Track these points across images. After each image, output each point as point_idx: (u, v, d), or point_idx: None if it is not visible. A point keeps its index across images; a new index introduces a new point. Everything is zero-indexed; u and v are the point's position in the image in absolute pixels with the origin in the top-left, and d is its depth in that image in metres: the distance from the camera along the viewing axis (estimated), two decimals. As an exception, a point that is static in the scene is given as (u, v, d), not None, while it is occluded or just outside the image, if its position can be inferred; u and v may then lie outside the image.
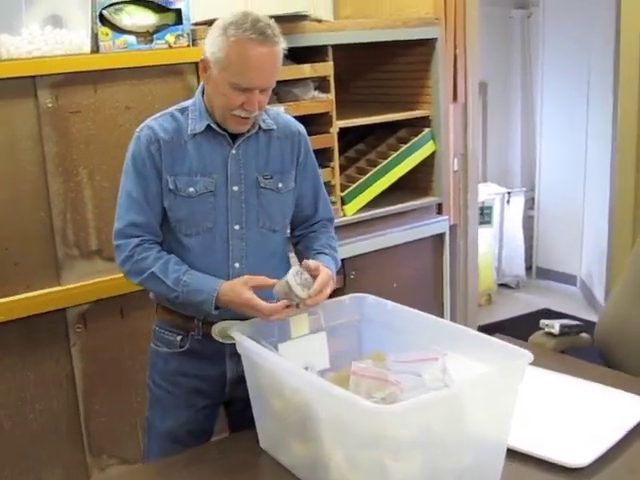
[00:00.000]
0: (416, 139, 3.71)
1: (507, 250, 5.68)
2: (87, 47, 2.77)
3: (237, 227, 2.10)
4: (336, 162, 3.44)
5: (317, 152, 3.42)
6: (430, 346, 1.88)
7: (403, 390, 1.70)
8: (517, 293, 5.68)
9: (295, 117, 3.33)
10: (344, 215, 3.52)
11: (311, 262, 2.03)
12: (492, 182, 5.71)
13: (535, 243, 5.91)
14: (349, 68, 3.77)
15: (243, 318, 2.05)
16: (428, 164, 3.81)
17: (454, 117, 3.92)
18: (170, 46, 2.93)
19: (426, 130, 3.74)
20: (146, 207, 2.07)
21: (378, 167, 3.61)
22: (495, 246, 5.57)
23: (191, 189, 2.06)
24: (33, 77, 2.63)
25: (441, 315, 3.94)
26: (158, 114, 2.13)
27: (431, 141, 3.75)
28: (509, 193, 5.57)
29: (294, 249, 2.32)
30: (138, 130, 2.11)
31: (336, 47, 3.38)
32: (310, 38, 3.28)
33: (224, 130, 2.06)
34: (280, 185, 2.14)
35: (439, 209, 3.91)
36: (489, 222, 5.36)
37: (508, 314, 5.24)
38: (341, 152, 3.54)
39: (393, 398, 1.69)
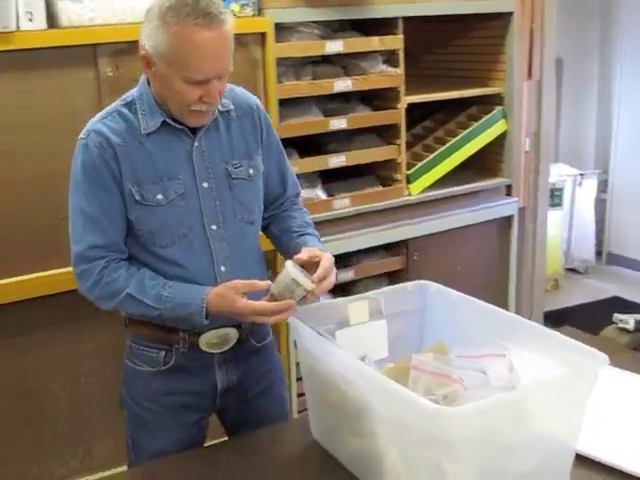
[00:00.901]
0: (487, 117, 3.56)
1: (576, 234, 5.49)
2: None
3: (214, 227, 1.91)
4: (402, 139, 3.32)
5: (383, 128, 3.37)
6: (494, 340, 1.77)
7: (466, 388, 1.60)
8: (585, 279, 5.50)
9: (362, 91, 3.33)
10: (409, 194, 3.40)
11: (303, 254, 1.87)
12: (563, 163, 5.51)
13: (607, 227, 5.70)
14: (418, 41, 3.62)
15: (235, 324, 1.95)
16: (498, 143, 3.67)
17: (528, 95, 3.76)
18: (235, 15, 2.82)
19: (498, 108, 3.59)
20: (106, 224, 1.84)
21: (446, 145, 3.48)
22: (564, 229, 5.39)
23: (160, 196, 1.84)
24: (94, 45, 2.56)
25: (506, 301, 3.83)
26: (101, 114, 1.89)
27: (503, 120, 3.60)
28: (581, 175, 5.38)
29: (264, 233, 2.15)
30: (83, 136, 1.86)
31: (406, 19, 3.25)
32: (379, 9, 3.16)
33: (182, 123, 1.86)
34: (251, 171, 1.96)
35: (508, 191, 3.76)
36: (559, 204, 5.18)
37: (575, 301, 5.06)
38: (407, 128, 3.41)
39: (455, 396, 1.59)
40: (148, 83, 1.89)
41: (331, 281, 1.86)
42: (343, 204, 3.23)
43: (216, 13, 1.71)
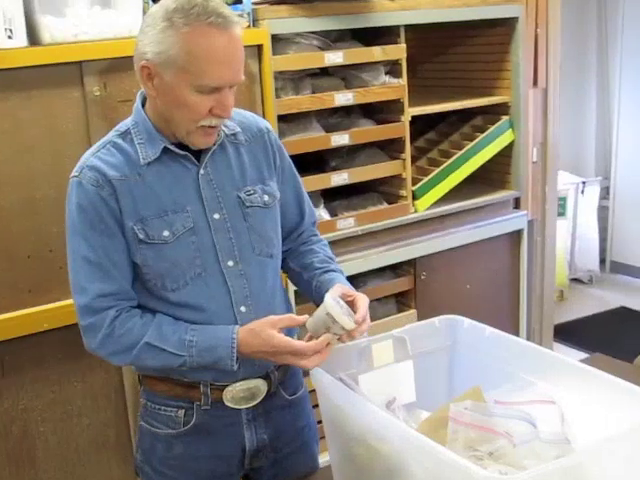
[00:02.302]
0: (493, 128, 3.39)
1: (580, 243, 5.35)
2: (138, 30, 2.48)
3: (231, 263, 1.71)
4: (407, 154, 3.15)
5: (386, 142, 3.20)
6: (533, 380, 1.61)
7: (515, 444, 1.41)
8: (590, 289, 5.36)
9: (364, 105, 3.15)
10: (415, 211, 3.22)
11: (336, 292, 1.67)
12: (564, 171, 5.35)
13: (609, 235, 5.57)
14: (418, 50, 3.46)
15: (263, 375, 1.77)
16: (505, 155, 3.50)
17: (534, 103, 3.60)
18: (229, 27, 2.65)
19: (504, 118, 3.42)
20: (112, 270, 1.65)
21: (452, 159, 3.30)
22: (567, 239, 5.24)
23: (166, 233, 1.65)
24: (79, 63, 2.36)
25: (517, 317, 3.66)
26: (93, 148, 1.70)
27: (510, 130, 3.43)
28: (584, 183, 5.23)
29: (282, 269, 1.95)
30: (76, 173, 1.66)
31: (408, 28, 3.08)
32: (380, 18, 2.97)
33: (185, 148, 1.68)
34: (266, 198, 1.77)
35: (516, 203, 3.59)
36: (563, 214, 5.02)
37: (582, 312, 4.92)
38: (410, 142, 3.23)
39: (502, 454, 1.41)
40: (143, 106, 1.70)
41: (369, 324, 1.67)
42: (347, 224, 3.05)
43: (228, 14, 1.55)
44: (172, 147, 1.67)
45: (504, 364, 1.70)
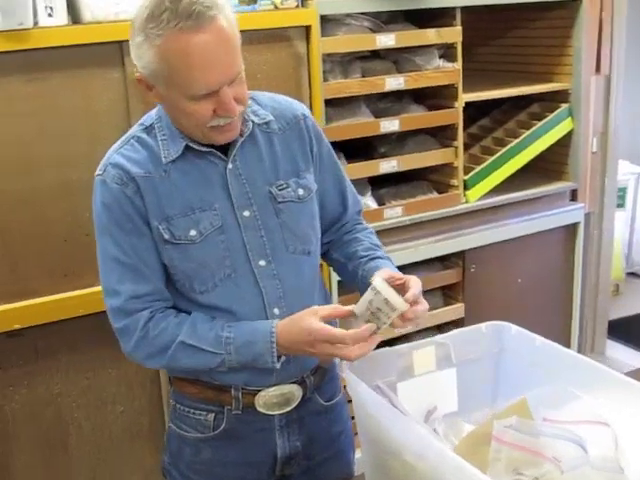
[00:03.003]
0: (552, 116, 3.24)
1: (638, 236, 5.14)
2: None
3: (263, 263, 1.60)
4: (460, 141, 3.03)
5: (438, 129, 3.07)
6: (582, 396, 1.49)
7: (563, 470, 1.30)
8: (648, 283, 5.16)
9: (416, 89, 3.03)
10: (466, 201, 3.10)
11: (383, 274, 1.54)
12: (624, 160, 5.15)
13: (670, 228, 5.33)
14: (474, 33, 3.30)
15: (298, 380, 1.67)
16: (563, 144, 3.35)
17: (595, 91, 3.43)
18: (276, 7, 2.55)
19: (563, 106, 3.27)
20: (145, 270, 1.57)
21: (507, 147, 3.16)
22: (626, 231, 5.04)
23: (193, 232, 1.56)
24: (120, 42, 2.28)
25: (570, 314, 3.53)
26: (117, 143, 1.62)
27: (569, 118, 3.28)
28: (644, 173, 5.02)
29: (323, 259, 1.85)
30: (100, 172, 1.59)
31: (464, 9, 2.94)
32: (436, -1, 2.85)
33: (209, 144, 1.57)
34: (301, 192, 1.65)
35: (573, 195, 3.44)
36: (622, 205, 4.84)
37: (638, 308, 4.72)
38: (463, 128, 3.10)
39: (549, 479, 1.30)
40: None
41: (425, 307, 1.55)
42: (395, 213, 2.94)
43: (201, 10, 1.39)
44: (194, 144, 1.57)
45: (553, 376, 1.58)
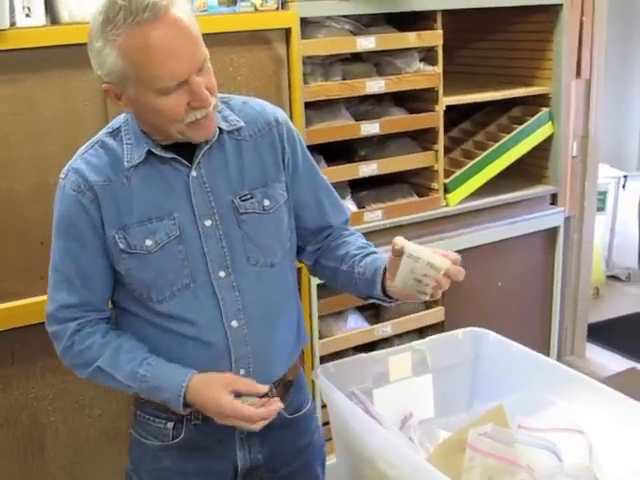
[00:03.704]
0: (532, 119, 3.24)
1: (619, 239, 5.17)
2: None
3: (222, 274, 1.57)
4: (440, 145, 3.02)
5: (418, 132, 3.07)
6: (555, 399, 1.50)
7: (537, 479, 1.30)
8: (628, 287, 5.17)
9: (396, 93, 3.03)
10: (447, 205, 3.10)
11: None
12: (604, 164, 5.18)
13: (650, 232, 5.36)
14: (455, 36, 3.30)
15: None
16: (543, 148, 3.35)
17: (576, 95, 3.45)
18: (256, 9, 2.54)
19: (544, 109, 3.27)
20: (77, 282, 1.57)
21: (488, 151, 3.15)
22: (606, 234, 5.07)
23: (148, 242, 1.52)
24: (98, 43, 2.27)
25: (549, 317, 3.54)
26: (84, 146, 1.60)
27: (549, 122, 3.28)
28: (625, 177, 5.05)
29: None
30: (62, 175, 1.57)
31: (446, 12, 2.94)
32: (416, 2, 2.83)
33: (173, 149, 1.54)
34: (267, 203, 1.60)
35: (553, 199, 3.44)
36: (602, 209, 4.86)
37: (618, 311, 4.74)
38: (444, 131, 3.10)
39: (522, 488, 1.30)
40: None
41: (461, 270, 1.49)
42: (375, 216, 2.93)
43: (155, 1, 1.37)
44: (157, 150, 1.54)
45: (529, 382, 1.59)
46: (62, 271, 1.58)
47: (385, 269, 1.58)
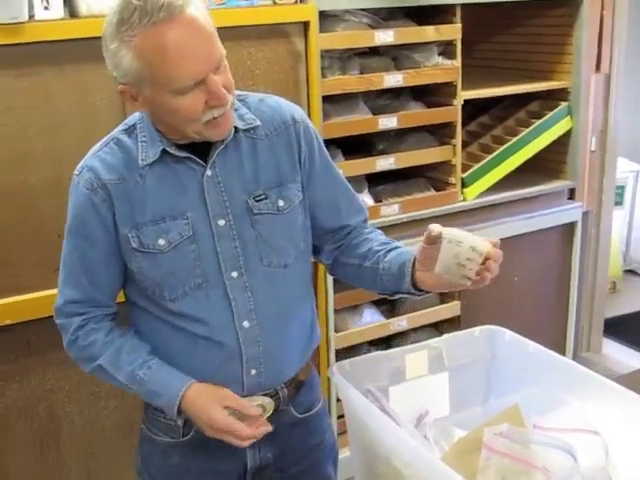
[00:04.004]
0: (551, 114, 3.22)
1: (637, 233, 5.13)
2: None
3: (235, 274, 1.55)
4: (458, 139, 3.01)
5: (436, 127, 3.05)
6: (571, 399, 1.48)
7: (553, 480, 1.30)
8: (645, 281, 5.14)
9: (414, 87, 3.01)
10: (464, 199, 3.09)
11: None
12: (623, 157, 5.13)
13: (668, 226, 5.32)
14: (474, 30, 3.28)
15: (270, 392, 1.63)
16: (561, 143, 3.33)
17: (595, 89, 3.42)
18: (274, 2, 2.53)
19: (563, 104, 3.25)
20: (83, 280, 1.58)
21: (506, 145, 3.14)
22: (624, 229, 5.04)
23: (161, 241, 1.52)
24: (116, 37, 2.27)
25: (566, 312, 3.51)
26: (99, 143, 1.59)
27: (568, 116, 3.26)
28: (643, 171, 5.01)
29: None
30: (77, 172, 1.57)
31: (464, 6, 2.92)
32: (435, -5, 2.82)
33: (187, 148, 1.53)
34: (281, 203, 1.58)
35: (571, 194, 3.42)
36: (620, 203, 4.82)
37: (635, 306, 4.71)
38: (462, 125, 3.08)
39: (538, 489, 1.29)
40: None
41: (501, 253, 1.48)
42: (392, 210, 2.93)
43: (170, 0, 1.36)
44: (171, 149, 1.52)
45: (545, 382, 1.58)
46: (69, 267, 1.60)
47: (414, 262, 1.56)
